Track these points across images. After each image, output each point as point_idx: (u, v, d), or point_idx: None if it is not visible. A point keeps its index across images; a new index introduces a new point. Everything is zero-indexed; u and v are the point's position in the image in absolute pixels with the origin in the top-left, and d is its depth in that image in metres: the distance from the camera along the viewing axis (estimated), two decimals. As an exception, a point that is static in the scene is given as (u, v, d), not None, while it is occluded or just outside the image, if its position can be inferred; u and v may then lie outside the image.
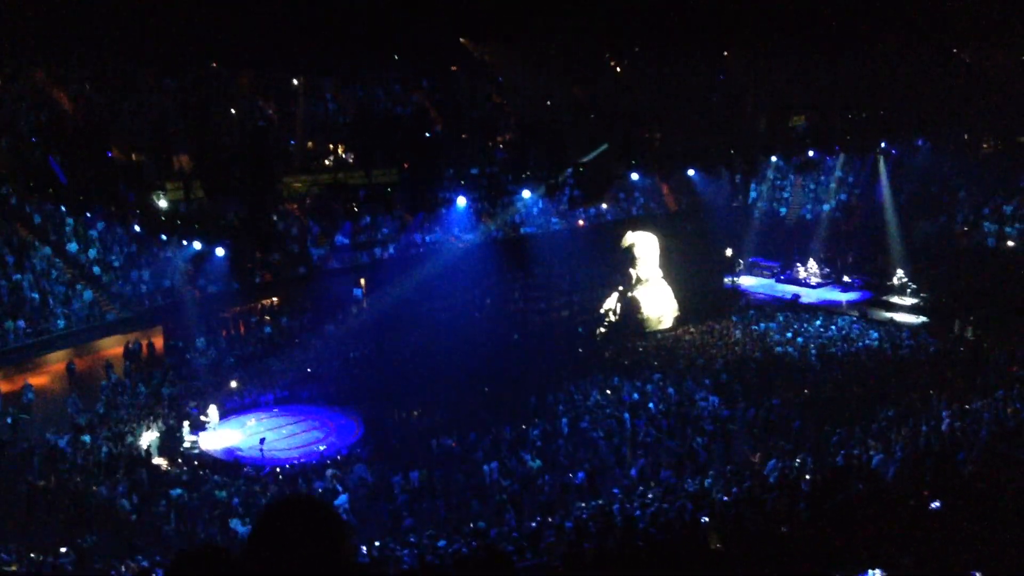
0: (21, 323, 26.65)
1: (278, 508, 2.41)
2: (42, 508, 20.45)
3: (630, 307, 35.49)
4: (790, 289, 39.96)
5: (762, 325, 34.52)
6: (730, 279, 41.40)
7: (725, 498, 17.04)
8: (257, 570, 2.31)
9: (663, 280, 36.36)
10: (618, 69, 50.51)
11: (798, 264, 41.87)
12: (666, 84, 45.75)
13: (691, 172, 43.43)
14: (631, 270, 36.07)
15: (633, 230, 37.75)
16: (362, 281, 35.70)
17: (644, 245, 36.14)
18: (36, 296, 27.75)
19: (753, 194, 46.37)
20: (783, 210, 46.87)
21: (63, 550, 17.33)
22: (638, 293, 35.85)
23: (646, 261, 35.90)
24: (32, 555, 16.62)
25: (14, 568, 15.16)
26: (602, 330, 35.23)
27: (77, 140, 33.13)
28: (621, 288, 36.14)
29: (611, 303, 36.09)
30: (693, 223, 41.34)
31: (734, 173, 45.18)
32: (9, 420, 24.74)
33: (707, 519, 14.19)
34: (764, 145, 45.50)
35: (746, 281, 42.12)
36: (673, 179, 43.69)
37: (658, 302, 36.03)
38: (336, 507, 19.75)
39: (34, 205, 30.97)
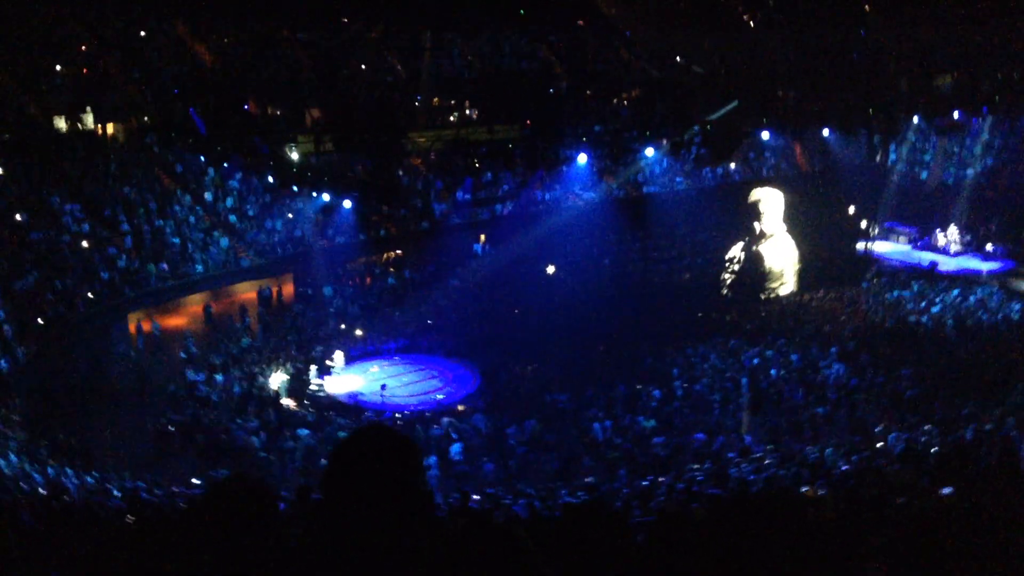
0: (163, 266, 28.19)
1: (353, 436, 2.47)
2: (177, 441, 21.75)
3: (753, 260, 34.53)
4: (927, 256, 38.09)
5: (895, 293, 33.07)
6: (863, 244, 39.75)
7: (845, 467, 16.56)
8: (333, 496, 2.37)
9: (788, 235, 35.13)
10: (751, 23, 48.76)
11: (937, 231, 39.79)
12: (802, 39, 43.87)
13: (826, 132, 41.72)
14: (756, 223, 35.04)
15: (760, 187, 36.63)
16: (482, 237, 36.07)
17: (769, 200, 35.02)
18: (177, 241, 29.27)
19: (892, 156, 44.17)
20: (924, 174, 44.51)
21: (195, 481, 18.41)
22: (762, 247, 34.84)
23: (771, 216, 34.79)
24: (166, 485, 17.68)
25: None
26: (726, 277, 34.38)
27: (216, 92, 34.50)
28: (746, 240, 35.18)
29: (735, 252, 35.17)
30: (826, 185, 39.79)
31: (872, 134, 43.11)
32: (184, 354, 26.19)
33: (807, 488, 13.82)
34: (906, 105, 43.12)
35: (881, 247, 40.35)
36: (807, 139, 42.08)
37: (781, 257, 34.94)
38: (452, 453, 20.35)
39: (176, 155, 32.54)
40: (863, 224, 40.19)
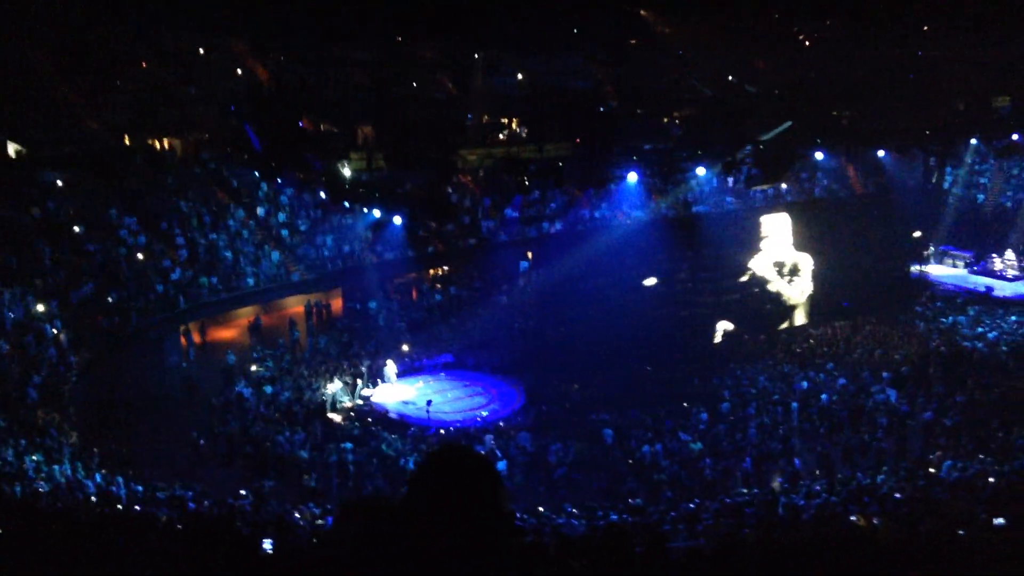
0: (215, 279, 28.66)
1: (437, 456, 2.48)
2: (223, 452, 22.03)
3: (763, 287, 33.36)
4: (983, 281, 37.20)
5: (950, 318, 32.35)
6: (918, 267, 38.99)
7: (898, 495, 16.19)
8: (415, 516, 2.38)
9: (801, 262, 33.75)
10: (806, 42, 48.35)
11: (994, 255, 38.86)
12: (858, 59, 43.34)
13: (881, 153, 41.09)
14: (766, 252, 33.72)
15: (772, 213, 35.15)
16: (529, 254, 36.07)
17: (778, 228, 33.74)
18: (230, 255, 29.74)
19: (948, 179, 43.35)
20: (980, 197, 43.58)
21: (242, 492, 18.61)
22: (773, 276, 33.58)
23: (780, 244, 33.56)
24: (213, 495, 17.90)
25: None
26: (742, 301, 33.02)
27: (271, 109, 35.11)
28: (755, 267, 33.84)
29: (748, 278, 33.73)
30: (880, 207, 39.13)
31: (928, 155, 42.39)
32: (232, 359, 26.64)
33: (858, 516, 13.52)
34: (963, 127, 42.33)
35: (935, 270, 39.53)
36: (861, 160, 41.50)
37: (792, 285, 33.81)
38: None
39: (231, 170, 33.13)
40: (929, 250, 39.43)
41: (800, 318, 33.15)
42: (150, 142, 33.47)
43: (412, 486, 2.41)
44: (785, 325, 33.19)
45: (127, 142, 32.97)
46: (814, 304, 33.56)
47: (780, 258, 34.69)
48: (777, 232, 34.74)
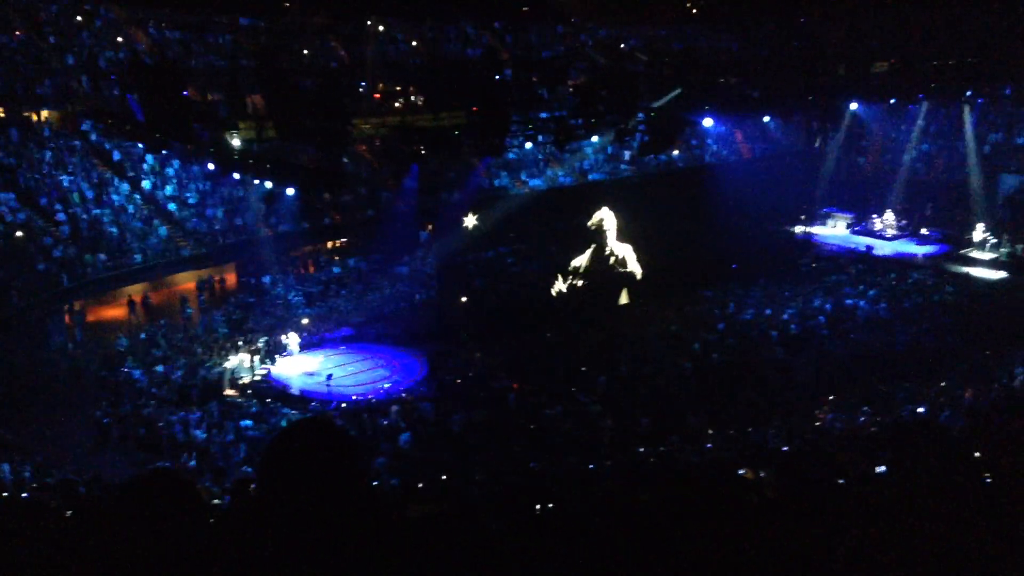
0: (101, 256, 27.55)
1: (289, 429, 2.43)
2: (116, 435, 21.34)
3: (598, 275, 33.28)
4: (864, 241, 38.87)
5: (834, 277, 33.73)
6: (802, 229, 40.42)
7: (785, 448, 16.92)
8: (269, 493, 2.33)
9: (629, 250, 33.70)
10: (694, 10, 49.22)
11: (874, 215, 40.62)
12: (743, 27, 44.40)
13: (766, 118, 42.29)
14: (603, 243, 33.58)
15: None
16: (428, 225, 35.86)
17: (609, 220, 33.69)
18: (115, 231, 28.63)
19: (830, 142, 44.98)
20: (861, 159, 45.40)
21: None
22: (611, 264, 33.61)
23: (611, 234, 33.66)
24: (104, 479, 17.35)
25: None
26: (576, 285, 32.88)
27: (154, 79, 33.72)
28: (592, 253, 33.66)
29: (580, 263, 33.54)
30: (766, 171, 40.32)
31: (811, 120, 43.82)
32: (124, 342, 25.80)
33: (745, 470, 14.09)
34: (844, 91, 43.92)
35: (819, 231, 41.10)
36: (747, 125, 42.62)
37: (624, 272, 34.05)
38: (401, 442, 20.29)
39: (113, 142, 31.78)
40: (812, 212, 40.85)
41: (691, 281, 33.66)
42: (26, 114, 31.77)
43: (264, 460, 2.37)
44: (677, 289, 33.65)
45: (1, 114, 31.25)
46: (703, 268, 34.15)
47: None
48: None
